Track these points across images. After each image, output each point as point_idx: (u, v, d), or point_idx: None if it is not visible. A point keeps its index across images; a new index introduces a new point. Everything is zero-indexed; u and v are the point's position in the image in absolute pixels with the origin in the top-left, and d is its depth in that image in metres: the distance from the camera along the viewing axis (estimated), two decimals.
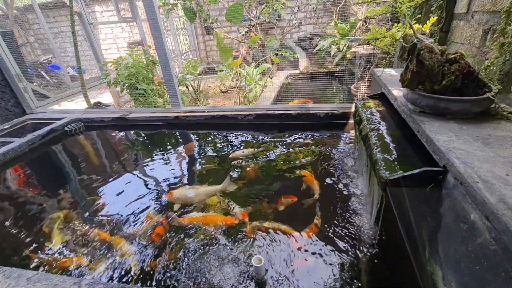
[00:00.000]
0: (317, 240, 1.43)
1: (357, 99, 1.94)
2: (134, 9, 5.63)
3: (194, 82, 5.04)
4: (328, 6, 5.99)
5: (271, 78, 5.33)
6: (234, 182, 1.92)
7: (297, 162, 2.14)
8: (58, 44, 8.51)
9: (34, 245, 1.59)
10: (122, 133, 3.12)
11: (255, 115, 2.74)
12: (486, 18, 1.45)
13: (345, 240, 1.42)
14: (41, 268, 1.42)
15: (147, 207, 1.81)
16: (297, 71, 6.10)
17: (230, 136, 2.74)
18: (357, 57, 4.35)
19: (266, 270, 1.28)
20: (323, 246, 1.40)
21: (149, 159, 2.52)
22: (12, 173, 2.42)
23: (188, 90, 4.92)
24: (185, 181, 2.11)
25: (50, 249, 1.55)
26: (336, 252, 1.36)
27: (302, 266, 1.31)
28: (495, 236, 0.69)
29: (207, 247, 1.44)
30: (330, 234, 1.46)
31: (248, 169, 2.11)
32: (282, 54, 5.45)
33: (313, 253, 1.37)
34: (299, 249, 1.40)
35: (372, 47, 3.65)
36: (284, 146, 2.39)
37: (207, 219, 1.62)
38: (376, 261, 1.31)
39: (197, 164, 2.37)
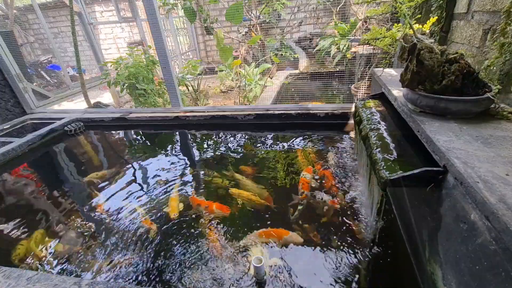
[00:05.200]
0: (316, 240, 1.43)
1: (357, 99, 1.94)
2: (134, 9, 5.64)
3: (194, 82, 5.03)
4: (328, 6, 5.98)
5: (271, 78, 5.32)
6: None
7: (296, 162, 2.14)
8: (58, 44, 8.51)
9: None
10: (122, 133, 3.12)
11: (255, 115, 2.74)
12: (486, 18, 1.45)
13: (345, 240, 1.41)
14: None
15: (146, 208, 1.81)
16: (297, 71, 6.09)
17: (230, 136, 2.74)
18: (357, 57, 4.35)
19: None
20: (322, 246, 1.40)
21: (149, 159, 2.52)
22: (12, 173, 2.42)
23: (188, 90, 4.91)
24: (185, 181, 2.10)
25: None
26: (336, 252, 1.36)
27: (301, 265, 1.31)
28: (495, 236, 0.69)
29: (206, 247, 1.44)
30: (329, 234, 1.46)
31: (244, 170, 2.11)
32: (282, 54, 5.45)
33: (312, 253, 1.37)
34: (297, 248, 1.40)
35: (372, 47, 3.65)
36: (283, 147, 2.39)
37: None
38: (376, 261, 1.31)
39: (197, 164, 2.37)
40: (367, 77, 3.71)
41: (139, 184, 2.11)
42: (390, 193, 1.59)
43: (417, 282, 1.15)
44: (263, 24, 6.24)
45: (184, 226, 1.62)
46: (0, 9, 6.40)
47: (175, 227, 1.62)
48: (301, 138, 2.51)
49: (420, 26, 1.76)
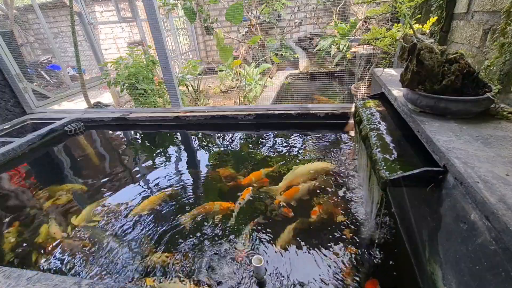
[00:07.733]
0: (316, 240, 1.43)
1: (357, 99, 1.94)
2: (134, 9, 5.64)
3: (194, 82, 5.03)
4: (328, 6, 5.98)
5: (271, 78, 5.32)
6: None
7: (295, 163, 2.13)
8: (58, 44, 8.51)
9: (30, 246, 1.59)
10: (122, 133, 3.12)
11: (255, 115, 2.74)
12: (486, 18, 1.45)
13: (345, 241, 1.42)
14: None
15: (145, 207, 1.81)
16: (297, 71, 6.09)
17: (230, 136, 2.74)
18: (357, 57, 4.35)
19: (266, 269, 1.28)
20: (322, 246, 1.40)
21: (149, 159, 2.52)
22: (12, 173, 2.42)
23: (188, 90, 4.92)
24: (185, 181, 2.10)
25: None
26: (336, 252, 1.36)
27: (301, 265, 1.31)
28: (495, 236, 0.69)
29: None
30: (329, 234, 1.46)
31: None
32: (282, 54, 5.45)
33: (312, 253, 1.37)
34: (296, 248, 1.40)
35: (372, 47, 3.65)
36: (283, 146, 2.39)
37: None
38: (376, 261, 1.31)
39: (197, 164, 2.37)
40: (367, 77, 3.71)
41: (139, 184, 2.11)
42: (390, 193, 1.59)
43: (417, 282, 1.15)
44: (263, 24, 6.24)
45: (183, 226, 1.62)
46: (0, 9, 6.40)
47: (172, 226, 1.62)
48: (300, 137, 2.51)
49: (420, 26, 1.76)
